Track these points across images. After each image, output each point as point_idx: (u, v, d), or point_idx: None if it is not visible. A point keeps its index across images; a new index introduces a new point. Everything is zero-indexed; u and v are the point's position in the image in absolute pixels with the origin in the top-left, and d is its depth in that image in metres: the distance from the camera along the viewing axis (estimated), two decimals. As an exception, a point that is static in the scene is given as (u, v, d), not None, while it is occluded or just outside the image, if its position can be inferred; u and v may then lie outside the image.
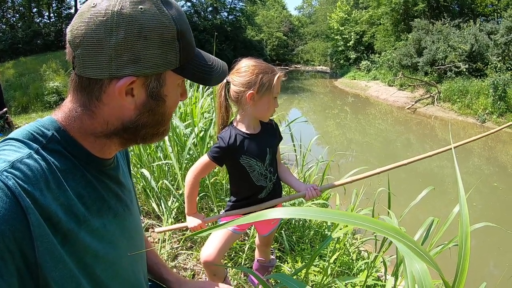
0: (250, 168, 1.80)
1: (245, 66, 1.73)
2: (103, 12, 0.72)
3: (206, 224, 1.90)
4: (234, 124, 1.82)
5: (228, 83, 1.78)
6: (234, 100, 1.79)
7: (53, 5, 29.08)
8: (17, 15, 28.10)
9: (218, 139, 1.80)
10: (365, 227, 0.61)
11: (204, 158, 1.79)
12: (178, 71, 0.82)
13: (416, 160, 1.84)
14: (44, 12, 29.95)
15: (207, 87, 4.85)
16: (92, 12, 0.73)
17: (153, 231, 2.96)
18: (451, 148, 0.84)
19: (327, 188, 2.01)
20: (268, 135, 1.89)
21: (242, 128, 1.80)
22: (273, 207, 1.87)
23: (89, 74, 0.75)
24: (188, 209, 1.86)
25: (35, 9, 29.32)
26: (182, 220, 3.03)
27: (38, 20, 28.90)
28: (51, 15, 29.51)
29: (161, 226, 2.96)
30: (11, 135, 0.76)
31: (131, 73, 0.75)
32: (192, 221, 1.84)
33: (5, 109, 6.70)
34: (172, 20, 0.77)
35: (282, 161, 2.16)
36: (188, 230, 2.17)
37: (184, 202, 2.82)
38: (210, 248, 1.85)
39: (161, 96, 0.82)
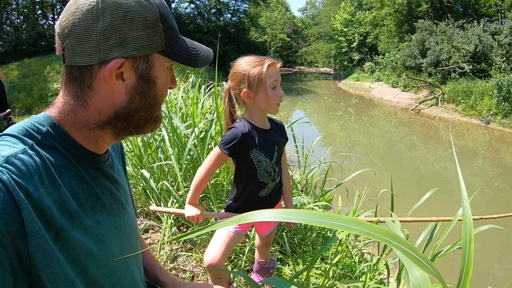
0: (258, 164, 1.79)
1: (235, 67, 1.75)
2: (88, 1, 0.76)
3: (203, 219, 1.88)
4: (245, 117, 1.82)
5: (230, 88, 1.80)
6: (237, 102, 1.81)
7: (57, 7, 29.18)
8: (21, 17, 28.28)
9: (228, 131, 1.78)
10: (360, 232, 0.57)
11: (215, 150, 1.77)
12: (165, 53, 0.85)
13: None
14: (48, 14, 30.11)
15: (211, 87, 4.84)
16: (78, 3, 0.76)
17: (150, 210, 2.94)
18: (460, 220, 0.80)
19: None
20: (276, 133, 1.90)
21: (253, 122, 1.80)
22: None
23: (79, 62, 0.77)
24: (189, 198, 1.84)
25: (39, 11, 29.50)
26: (182, 221, 3.01)
27: (42, 22, 29.07)
28: (55, 17, 29.61)
29: (161, 227, 2.93)
30: (6, 131, 0.76)
31: (119, 55, 0.77)
32: (190, 210, 1.82)
33: (8, 110, 6.69)
34: (154, 3, 0.81)
35: (287, 164, 2.15)
36: (188, 230, 2.13)
37: (183, 204, 2.80)
38: (214, 251, 1.82)
39: (151, 78, 0.84)
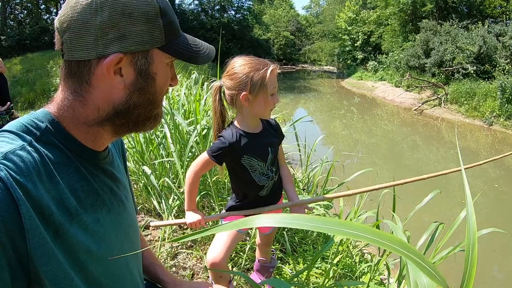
0: (252, 168, 1.77)
1: (235, 68, 1.68)
2: None
3: (206, 223, 1.86)
4: (235, 123, 1.78)
5: (221, 86, 1.75)
6: (230, 103, 1.75)
7: (61, 1, 29.19)
8: (25, 12, 28.33)
9: (217, 138, 1.76)
10: (368, 240, 0.55)
11: (204, 156, 1.75)
12: (165, 49, 0.83)
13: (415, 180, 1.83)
14: (51, 9, 30.15)
15: (211, 86, 4.83)
16: None
17: (151, 226, 2.93)
18: (460, 170, 0.79)
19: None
20: (269, 134, 1.86)
21: (243, 127, 1.76)
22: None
23: (77, 56, 0.76)
24: (187, 205, 1.82)
25: (43, 6, 29.56)
26: (183, 218, 3.00)
27: (45, 17, 29.11)
28: (59, 11, 29.66)
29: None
30: (5, 127, 0.76)
31: (117, 50, 0.76)
32: (191, 217, 1.80)
33: (11, 104, 6.70)
34: None
35: (286, 161, 2.12)
36: (189, 229, 2.13)
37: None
38: (217, 249, 1.81)
39: (150, 74, 0.83)
